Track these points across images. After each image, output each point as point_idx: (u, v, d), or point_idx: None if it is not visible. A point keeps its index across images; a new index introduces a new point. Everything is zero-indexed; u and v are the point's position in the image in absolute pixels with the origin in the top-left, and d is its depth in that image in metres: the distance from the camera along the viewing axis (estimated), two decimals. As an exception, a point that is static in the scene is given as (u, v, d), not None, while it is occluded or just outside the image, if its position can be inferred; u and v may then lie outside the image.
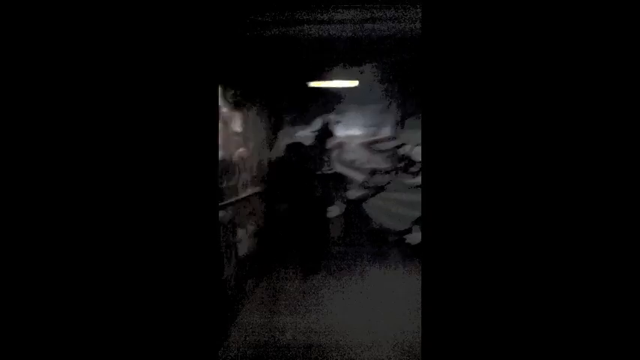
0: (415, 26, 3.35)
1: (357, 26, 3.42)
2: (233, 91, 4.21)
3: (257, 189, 5.23)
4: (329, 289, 5.01)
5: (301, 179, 5.44)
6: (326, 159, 5.74)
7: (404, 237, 6.22)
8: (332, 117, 6.16)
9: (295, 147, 5.82)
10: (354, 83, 4.58)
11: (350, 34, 3.70)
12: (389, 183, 6.17)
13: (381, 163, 6.16)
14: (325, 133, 5.93)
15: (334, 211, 6.28)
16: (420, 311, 1.78)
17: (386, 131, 6.18)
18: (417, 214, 6.16)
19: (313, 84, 4.61)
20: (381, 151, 6.18)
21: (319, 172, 5.73)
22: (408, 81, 5.44)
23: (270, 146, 6.16)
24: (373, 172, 6.20)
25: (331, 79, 4.50)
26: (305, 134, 6.16)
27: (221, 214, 3.85)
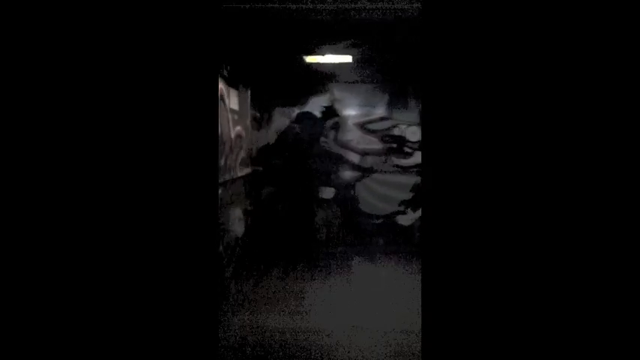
0: (411, 6, 3.36)
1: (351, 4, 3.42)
2: (226, 67, 4.21)
3: (250, 169, 5.25)
4: (316, 282, 5.06)
5: (299, 158, 5.43)
6: (324, 139, 5.75)
7: (395, 219, 6.28)
8: (327, 97, 6.18)
9: (305, 116, 5.74)
10: (348, 59, 4.58)
11: (342, 11, 3.69)
12: (384, 163, 6.21)
13: (374, 143, 6.20)
14: (330, 111, 5.89)
15: (328, 192, 6.32)
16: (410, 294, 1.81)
17: (380, 111, 6.21)
18: (407, 196, 6.24)
19: (308, 59, 4.60)
20: (374, 132, 6.22)
21: (319, 151, 5.74)
22: (401, 61, 5.45)
23: (265, 125, 6.17)
24: (366, 153, 6.23)
25: (324, 55, 4.49)
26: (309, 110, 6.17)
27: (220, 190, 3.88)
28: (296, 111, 6.24)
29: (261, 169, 5.49)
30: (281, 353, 2.98)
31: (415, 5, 3.40)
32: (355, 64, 5.06)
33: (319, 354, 2.96)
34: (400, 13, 3.64)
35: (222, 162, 4.01)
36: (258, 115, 5.87)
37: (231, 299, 3.98)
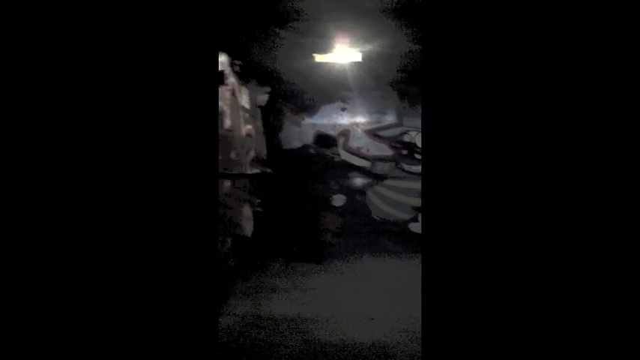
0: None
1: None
2: (240, 63, 4.26)
3: (259, 169, 5.23)
4: (327, 279, 4.96)
5: (309, 165, 5.40)
6: (334, 150, 5.74)
7: (408, 226, 6.18)
8: (338, 104, 6.21)
9: (322, 139, 5.74)
10: (358, 58, 4.62)
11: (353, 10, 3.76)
12: (394, 169, 6.16)
13: (385, 150, 6.17)
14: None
15: (339, 199, 6.26)
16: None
17: (391, 118, 6.21)
18: (419, 202, 6.15)
19: (317, 58, 4.65)
20: (385, 138, 6.20)
21: (326, 160, 5.70)
22: (412, 66, 5.49)
23: (276, 130, 6.19)
24: (377, 160, 6.20)
25: (334, 54, 4.54)
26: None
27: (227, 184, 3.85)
28: (305, 118, 6.27)
29: (270, 170, 5.47)
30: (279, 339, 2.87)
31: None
32: (365, 65, 5.10)
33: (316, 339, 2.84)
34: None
35: (232, 155, 3.99)
36: (270, 117, 5.90)
37: (237, 292, 3.88)
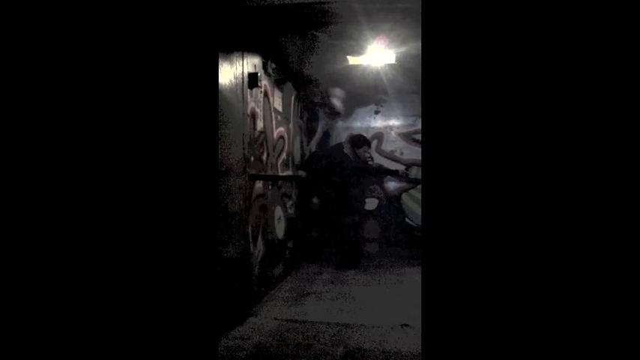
0: None
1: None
2: (274, 65, 4.26)
3: (291, 172, 5.21)
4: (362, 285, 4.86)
5: (341, 170, 5.31)
6: (366, 149, 5.60)
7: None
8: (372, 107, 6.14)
9: (356, 141, 5.59)
10: (392, 59, 4.53)
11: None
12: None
13: (420, 154, 6.02)
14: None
15: (372, 203, 6.16)
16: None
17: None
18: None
19: (351, 61, 4.60)
20: (419, 142, 6.05)
21: (359, 164, 5.59)
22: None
23: (310, 135, 6.18)
24: (412, 164, 6.06)
25: (367, 56, 4.47)
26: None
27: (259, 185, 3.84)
28: (339, 122, 6.22)
29: (303, 173, 5.44)
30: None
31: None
32: (400, 68, 5.01)
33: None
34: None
35: (264, 157, 3.99)
36: (301, 121, 5.89)
37: (273, 296, 3.85)
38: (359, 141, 5.48)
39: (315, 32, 4.09)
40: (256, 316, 3.34)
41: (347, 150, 5.46)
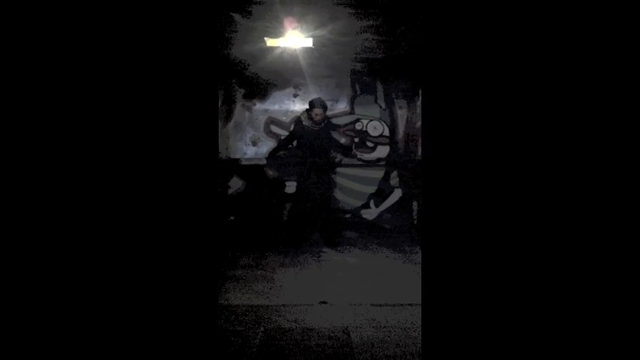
0: None
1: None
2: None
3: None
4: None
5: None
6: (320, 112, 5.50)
7: (360, 212, 6.27)
8: (290, 90, 6.15)
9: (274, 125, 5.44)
10: (309, 43, 4.58)
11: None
12: (345, 158, 6.21)
13: (337, 137, 6.20)
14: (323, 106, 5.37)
15: (292, 187, 6.23)
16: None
17: (342, 106, 6.23)
18: (372, 189, 6.25)
19: (269, 43, 4.57)
20: (337, 126, 6.22)
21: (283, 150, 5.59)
22: (363, 55, 5.52)
23: (227, 119, 6.05)
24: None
25: (286, 38, 4.48)
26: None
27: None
28: (257, 104, 6.16)
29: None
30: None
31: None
32: (317, 52, 5.07)
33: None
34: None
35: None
36: (227, 107, 5.74)
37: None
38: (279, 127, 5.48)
39: (231, 13, 4.00)
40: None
41: (306, 122, 5.31)
